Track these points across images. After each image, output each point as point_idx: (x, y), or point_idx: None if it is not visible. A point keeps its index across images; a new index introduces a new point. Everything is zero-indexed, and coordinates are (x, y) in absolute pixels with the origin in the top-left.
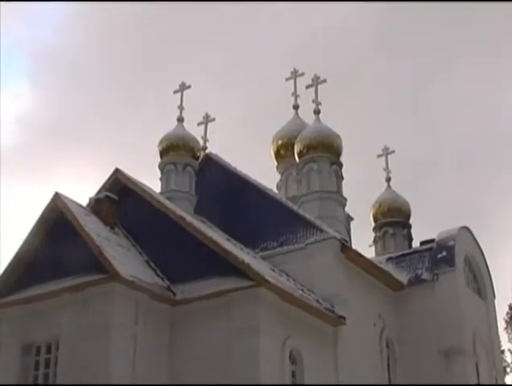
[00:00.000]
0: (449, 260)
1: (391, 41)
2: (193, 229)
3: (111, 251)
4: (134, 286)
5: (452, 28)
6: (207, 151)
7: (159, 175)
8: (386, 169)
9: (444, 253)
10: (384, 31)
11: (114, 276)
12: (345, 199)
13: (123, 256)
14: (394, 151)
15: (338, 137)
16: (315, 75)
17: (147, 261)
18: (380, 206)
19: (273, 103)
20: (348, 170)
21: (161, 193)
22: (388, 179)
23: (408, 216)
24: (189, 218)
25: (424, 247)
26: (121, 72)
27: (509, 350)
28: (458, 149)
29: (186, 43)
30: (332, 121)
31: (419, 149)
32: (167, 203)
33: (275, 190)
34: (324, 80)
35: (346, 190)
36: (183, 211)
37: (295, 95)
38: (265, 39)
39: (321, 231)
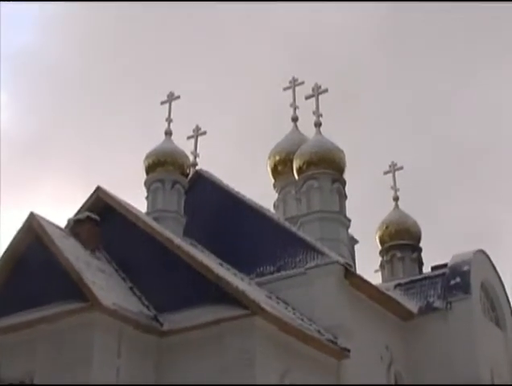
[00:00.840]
0: (464, 287)
1: (398, 49)
2: (182, 253)
3: (91, 277)
4: (116, 316)
5: (462, 34)
6: (197, 167)
7: (145, 194)
8: (394, 187)
9: (458, 279)
10: (390, 39)
11: (95, 304)
12: (349, 220)
13: (105, 283)
14: (402, 167)
15: (341, 151)
16: (316, 85)
17: (132, 288)
18: (387, 227)
19: (270, 115)
20: (352, 188)
21: (147, 213)
22: (396, 198)
23: (418, 239)
24: (178, 240)
25: (436, 272)
26: (103, 81)
27: None
28: (474, 166)
29: (175, 49)
30: (334, 134)
31: (429, 165)
32: (154, 224)
33: (272, 209)
34: (326, 90)
35: (350, 210)
36: (172, 233)
37: (294, 106)
38: (261, 45)
39: (323, 254)
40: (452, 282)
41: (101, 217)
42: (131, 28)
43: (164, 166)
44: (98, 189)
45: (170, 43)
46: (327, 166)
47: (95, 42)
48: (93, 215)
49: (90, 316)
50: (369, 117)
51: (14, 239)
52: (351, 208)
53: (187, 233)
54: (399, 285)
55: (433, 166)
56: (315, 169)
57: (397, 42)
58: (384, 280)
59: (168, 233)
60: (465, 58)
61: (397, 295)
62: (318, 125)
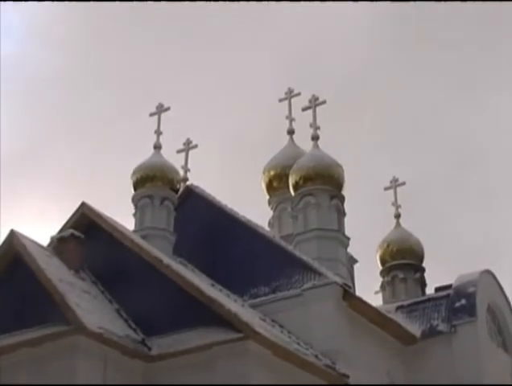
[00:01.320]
0: (469, 310)
1: (400, 60)
2: (172, 273)
3: (75, 298)
4: (102, 340)
5: (467, 46)
6: (188, 183)
7: (133, 210)
8: (395, 203)
9: (464, 301)
10: (392, 49)
11: (79, 328)
12: (348, 239)
13: (90, 305)
14: (404, 183)
15: (340, 166)
16: (313, 96)
17: (118, 310)
18: (388, 246)
19: (264, 127)
20: (351, 204)
21: (134, 231)
22: (397, 215)
23: (421, 258)
24: (167, 259)
25: (440, 294)
26: (89, 93)
27: None
28: (481, 182)
29: (165, 59)
30: (332, 148)
31: (433, 181)
32: (142, 243)
33: (267, 227)
34: (323, 102)
35: (349, 228)
36: (160, 252)
37: (290, 118)
38: (257, 55)
39: (320, 275)
40: (457, 304)
41: (86, 235)
42: (119, 37)
43: (153, 182)
44: (83, 205)
45: (160, 52)
46: (325, 182)
47: (80, 50)
48: (77, 233)
49: (74, 340)
50: (369, 130)
51: None
52: (350, 226)
53: (177, 252)
54: (401, 307)
55: (437, 182)
56: (313, 185)
57: (399, 53)
58: (385, 302)
59: (157, 252)
60: (473, 71)
61: (399, 318)
62: (315, 138)
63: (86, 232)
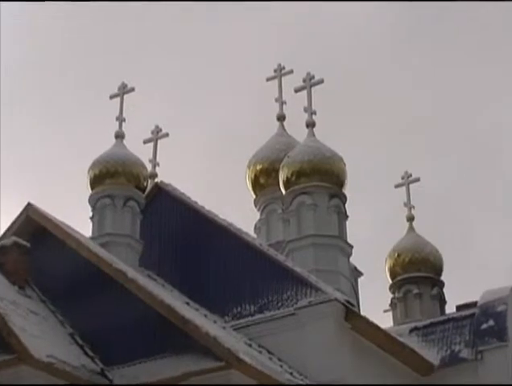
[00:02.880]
0: (498, 332)
1: (416, 35)
2: (137, 289)
3: (19, 321)
4: (52, 371)
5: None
6: (157, 179)
7: (90, 213)
8: (408, 204)
9: (491, 322)
10: (407, 22)
11: (24, 357)
12: (351, 246)
13: (37, 328)
14: (418, 179)
15: (340, 159)
16: (308, 74)
17: (72, 335)
18: (399, 255)
19: (249, 112)
20: (354, 205)
21: (92, 238)
22: (410, 218)
23: (439, 270)
24: (132, 272)
25: (463, 313)
26: (39, 74)
27: None
28: (507, 180)
29: (130, 31)
30: (331, 137)
31: (453, 177)
32: (101, 252)
33: (253, 233)
34: (321, 81)
35: (352, 234)
36: (124, 263)
37: (281, 101)
38: (238, 24)
39: (317, 290)
40: (484, 326)
41: (33, 243)
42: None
43: (114, 178)
44: (28, 207)
45: (124, 23)
46: (322, 178)
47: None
48: (22, 241)
49: (18, 371)
50: (375, 117)
51: None
52: (353, 231)
53: (145, 263)
54: (416, 329)
55: (457, 179)
56: (308, 181)
57: (415, 24)
58: (396, 322)
59: (119, 263)
60: (491, 64)
61: (413, 342)
62: (311, 125)
63: (32, 239)
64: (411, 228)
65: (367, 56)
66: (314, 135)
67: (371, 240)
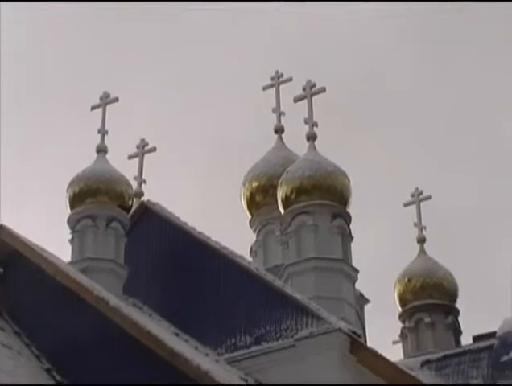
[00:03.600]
0: None
1: (429, 40)
2: (121, 318)
3: None
4: None
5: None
6: (143, 198)
7: (69, 235)
8: (419, 224)
9: None
10: (419, 25)
11: None
12: (356, 271)
13: (11, 364)
14: (430, 197)
15: (344, 175)
16: (309, 82)
17: (49, 371)
18: (410, 280)
19: (244, 124)
20: (359, 225)
21: (71, 263)
22: (421, 240)
23: (454, 297)
24: (115, 300)
25: (480, 344)
26: (12, 81)
27: None
28: None
29: (114, 39)
30: (334, 151)
31: (468, 195)
32: (81, 279)
33: (248, 256)
34: (322, 90)
35: (357, 257)
36: (106, 291)
37: (278, 112)
38: (232, 28)
39: (319, 319)
40: (504, 358)
41: (5, 269)
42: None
43: (96, 197)
44: (1, 229)
45: (109, 30)
46: (324, 195)
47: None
48: None
49: None
50: (383, 128)
51: None
52: (359, 254)
53: (130, 291)
54: (428, 362)
55: (474, 197)
56: (309, 199)
57: (428, 27)
58: (406, 355)
59: (101, 291)
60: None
61: (425, 376)
62: (312, 137)
63: (5, 264)
64: (422, 251)
65: (373, 63)
66: (315, 148)
67: (378, 263)
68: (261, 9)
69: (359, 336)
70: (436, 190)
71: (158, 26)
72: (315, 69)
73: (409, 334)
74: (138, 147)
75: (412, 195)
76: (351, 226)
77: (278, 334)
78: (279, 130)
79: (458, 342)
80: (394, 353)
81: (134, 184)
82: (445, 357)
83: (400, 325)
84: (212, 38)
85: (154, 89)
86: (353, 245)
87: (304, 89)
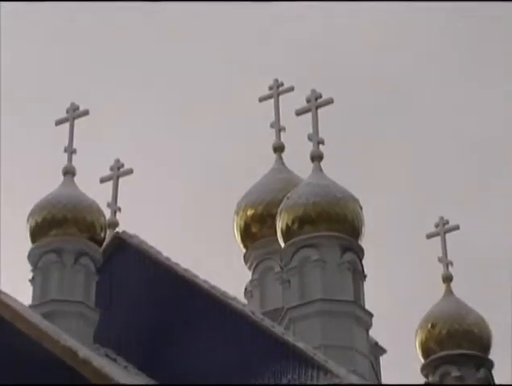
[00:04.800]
0: None
1: (458, 45)
2: (92, 372)
3: None
4: None
5: None
6: (118, 229)
7: (30, 273)
8: (444, 259)
9: None
10: (443, 27)
11: None
12: (370, 315)
13: None
14: (457, 227)
15: (355, 201)
16: (314, 92)
17: None
18: (434, 327)
19: (237, 142)
20: (374, 261)
21: (33, 306)
22: (448, 278)
23: (487, 346)
24: (84, 351)
25: None
26: None
27: None
28: None
29: (87, 47)
30: (343, 173)
31: (501, 225)
32: (44, 325)
33: (242, 298)
34: (330, 101)
35: (371, 299)
36: (74, 339)
37: (278, 127)
38: (224, 30)
39: (326, 372)
40: None
41: None
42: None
43: (62, 227)
44: None
45: (81, 34)
46: (333, 226)
47: None
48: None
49: None
50: (401, 146)
51: None
52: (373, 295)
53: (102, 339)
54: None
55: (508, 227)
56: (314, 230)
57: (462, 31)
58: None
59: (68, 339)
60: None
61: None
62: (317, 157)
63: None
64: (449, 291)
65: (391, 70)
66: (321, 170)
67: (396, 306)
68: (259, 9)
69: None
70: (464, 220)
71: (136, 29)
72: (321, 77)
73: None
74: (112, 169)
75: (436, 225)
76: (364, 262)
77: None
78: (279, 148)
79: None
80: None
81: (108, 212)
82: None
83: (423, 379)
84: (200, 43)
85: (132, 101)
86: (367, 285)
87: (308, 100)
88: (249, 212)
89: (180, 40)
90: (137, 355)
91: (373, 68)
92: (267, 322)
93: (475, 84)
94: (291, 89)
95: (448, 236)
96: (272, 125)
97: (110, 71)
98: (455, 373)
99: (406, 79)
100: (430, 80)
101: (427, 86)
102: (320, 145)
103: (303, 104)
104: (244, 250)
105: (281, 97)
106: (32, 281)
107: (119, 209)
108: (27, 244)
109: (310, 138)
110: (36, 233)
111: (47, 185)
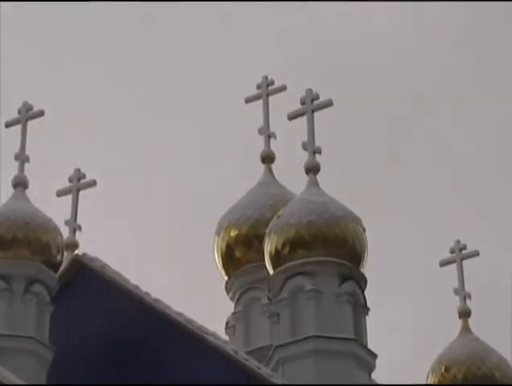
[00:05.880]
0: None
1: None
2: None
3: None
4: None
5: None
6: (77, 251)
7: None
8: (461, 290)
9: None
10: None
11: None
12: (373, 355)
13: None
14: (476, 254)
15: (357, 221)
16: (310, 93)
17: None
18: (448, 369)
19: (220, 150)
20: (378, 292)
21: None
22: (465, 313)
23: None
24: None
25: None
26: None
27: None
28: None
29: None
30: (343, 187)
31: None
32: None
33: (223, 334)
34: (328, 103)
35: (375, 337)
36: (23, 380)
37: (267, 133)
38: (209, 25)
39: None
40: None
41: None
42: None
43: (11, 249)
44: None
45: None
46: (330, 250)
47: None
48: None
49: None
50: (410, 158)
51: None
52: (377, 332)
53: (57, 379)
54: None
55: None
56: (308, 255)
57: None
58: None
59: (16, 380)
60: None
61: None
62: (313, 169)
63: None
64: (466, 328)
65: (398, 71)
66: (317, 184)
67: (404, 345)
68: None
69: None
70: (484, 245)
71: (104, 26)
72: (319, 75)
73: None
74: (71, 180)
75: (452, 251)
76: (366, 293)
77: None
78: (268, 158)
79: None
80: None
81: (66, 231)
82: None
83: None
84: (181, 38)
85: (96, 102)
86: (369, 320)
87: (303, 102)
88: (233, 233)
89: (152, 35)
90: None
91: (380, 65)
92: (252, 363)
93: (491, 106)
94: (283, 88)
95: (465, 263)
96: (260, 131)
97: (68, 66)
98: None
99: (421, 80)
100: (447, 84)
101: (442, 89)
102: (317, 155)
103: (297, 106)
104: (226, 277)
105: (271, 98)
106: None
107: (79, 227)
108: None
109: (304, 147)
110: None
111: None
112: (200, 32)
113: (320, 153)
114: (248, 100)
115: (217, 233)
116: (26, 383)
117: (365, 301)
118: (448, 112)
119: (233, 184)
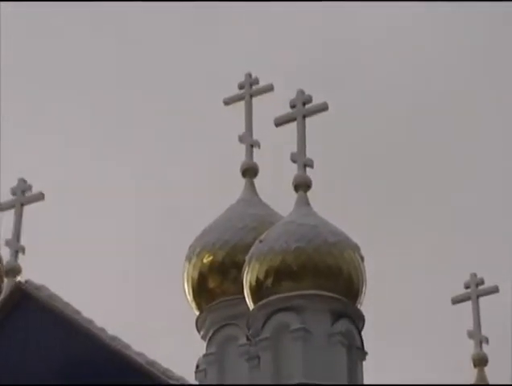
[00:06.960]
0: None
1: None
2: None
3: None
4: None
5: None
6: (19, 278)
7: None
8: (477, 333)
9: None
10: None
11: None
12: None
13: None
14: (496, 290)
15: (354, 248)
16: (301, 94)
17: None
18: None
19: (193, 161)
20: (378, 332)
21: None
22: (481, 360)
23: None
24: None
25: None
26: None
27: None
28: None
29: None
30: (338, 208)
31: None
32: None
33: (192, 379)
34: (323, 107)
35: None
36: None
37: (249, 141)
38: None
39: None
40: None
41: None
42: None
43: None
44: None
45: None
46: (322, 283)
47: None
48: None
49: None
50: (418, 174)
51: None
52: (376, 380)
53: None
54: None
55: None
56: (296, 287)
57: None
58: None
59: None
60: None
61: None
62: (303, 186)
63: None
64: (482, 377)
65: (399, 71)
66: (308, 204)
67: None
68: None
69: None
70: (504, 279)
71: (63, 25)
72: (312, 75)
73: None
74: (14, 193)
75: (467, 286)
76: (363, 333)
77: None
78: (250, 171)
79: None
80: None
81: (6, 253)
82: None
83: None
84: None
85: (45, 101)
86: (367, 365)
87: (293, 105)
88: (206, 259)
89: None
90: None
91: (380, 69)
92: None
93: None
94: (270, 89)
95: (481, 300)
96: (241, 139)
97: (16, 68)
98: None
99: (426, 80)
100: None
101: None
102: (308, 169)
103: (286, 110)
104: (197, 312)
105: (255, 99)
106: None
107: (22, 250)
108: None
109: (294, 159)
110: None
111: None
112: (174, 26)
113: (311, 166)
114: (227, 102)
115: (188, 259)
116: None
117: (362, 344)
118: (452, 119)
119: (208, 201)
